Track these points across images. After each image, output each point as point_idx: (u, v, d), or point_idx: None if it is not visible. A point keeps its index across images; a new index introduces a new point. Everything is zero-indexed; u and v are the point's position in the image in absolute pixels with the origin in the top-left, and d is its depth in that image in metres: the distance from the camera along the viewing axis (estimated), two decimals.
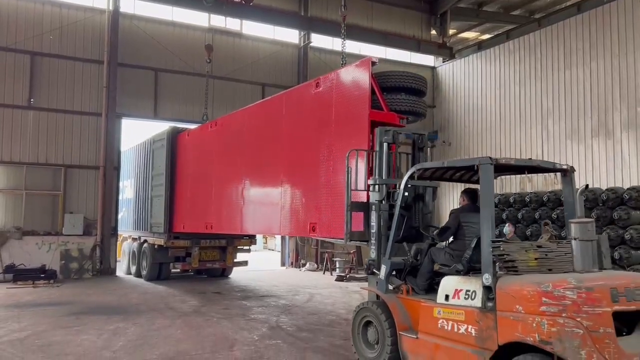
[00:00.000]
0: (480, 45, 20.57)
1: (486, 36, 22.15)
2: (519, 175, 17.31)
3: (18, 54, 14.87)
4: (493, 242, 4.61)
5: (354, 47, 20.48)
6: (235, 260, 14.85)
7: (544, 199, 12.60)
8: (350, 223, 6.40)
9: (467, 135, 20.24)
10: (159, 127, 15.25)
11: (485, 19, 21.58)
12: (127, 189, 17.07)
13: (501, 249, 4.57)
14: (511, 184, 17.80)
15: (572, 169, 5.53)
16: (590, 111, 15.63)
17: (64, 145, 15.31)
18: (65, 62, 15.50)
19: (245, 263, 15.15)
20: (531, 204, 12.87)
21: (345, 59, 10.40)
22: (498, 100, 18.90)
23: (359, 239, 6.70)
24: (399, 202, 5.89)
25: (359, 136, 7.18)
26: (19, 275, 13.22)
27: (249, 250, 15.31)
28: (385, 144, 6.47)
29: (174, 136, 14.11)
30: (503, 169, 5.62)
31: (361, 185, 6.74)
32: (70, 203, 15.27)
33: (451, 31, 22.14)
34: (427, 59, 22.22)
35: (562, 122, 16.43)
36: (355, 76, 7.66)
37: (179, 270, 14.70)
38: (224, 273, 15.57)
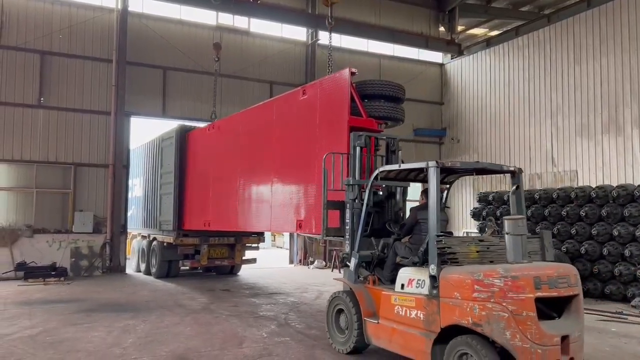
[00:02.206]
0: (489, 42, 20.44)
1: (495, 32, 22.01)
2: (528, 174, 17.36)
3: (28, 53, 14.98)
4: (437, 236, 5.18)
5: (361, 44, 20.49)
6: (243, 257, 14.88)
7: (554, 196, 12.52)
8: (327, 220, 7.01)
9: (475, 132, 20.15)
10: (168, 126, 15.32)
11: (494, 15, 21.43)
12: (137, 187, 17.16)
13: (443, 242, 5.15)
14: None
15: (520, 170, 6.07)
16: (601, 107, 15.50)
17: (74, 143, 15.41)
18: (75, 61, 15.59)
19: (253, 260, 15.18)
20: (540, 201, 12.79)
21: (332, 67, 11.21)
22: (507, 96, 18.79)
23: (334, 235, 7.26)
24: (365, 201, 6.48)
25: (340, 140, 7.67)
26: (30, 272, 13.34)
27: (257, 248, 15.31)
28: (358, 148, 7.01)
29: (183, 134, 14.20)
30: (454, 170, 6.21)
31: (340, 185, 7.17)
32: (80, 201, 15.38)
33: (459, 28, 22.02)
34: (436, 56, 22.13)
35: (572, 119, 16.31)
36: (336, 85, 8.24)
37: (188, 267, 14.78)
38: (232, 270, 15.63)
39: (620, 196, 11.08)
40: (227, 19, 17.98)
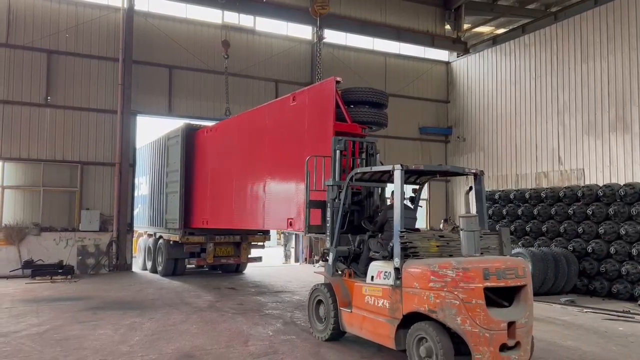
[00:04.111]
0: (495, 40, 20.36)
1: (501, 30, 21.90)
2: (535, 172, 17.28)
3: (35, 52, 15.05)
4: (401, 232, 5.69)
5: (367, 42, 20.46)
6: (249, 256, 14.91)
7: (560, 194, 12.47)
8: (309, 218, 7.61)
9: (481, 131, 20.08)
10: (174, 124, 15.36)
11: (500, 13, 21.32)
12: (143, 186, 17.21)
13: (405, 238, 5.66)
14: (526, 180, 17.66)
15: (482, 173, 6.56)
16: (608, 105, 15.40)
17: (80, 142, 15.48)
18: (81, 60, 15.66)
19: (259, 259, 15.20)
20: (547, 199, 12.75)
21: (321, 74, 12.32)
22: (513, 95, 18.71)
23: (316, 232, 7.84)
24: (342, 200, 7.00)
25: (326, 144, 8.09)
26: (37, 270, 13.40)
27: (262, 246, 15.34)
28: (338, 151, 7.47)
29: (189, 133, 14.25)
30: (419, 172, 6.72)
31: (322, 186, 7.67)
32: (87, 199, 15.45)
33: (465, 26, 21.92)
34: (442, 54, 22.06)
35: (579, 117, 16.22)
36: (322, 93, 8.82)
37: (194, 265, 14.86)
38: (238, 269, 15.66)
39: (628, 194, 11.02)
40: (232, 17, 17.99)
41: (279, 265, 18.02)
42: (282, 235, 18.76)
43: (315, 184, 7.73)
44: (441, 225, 12.27)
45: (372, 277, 6.23)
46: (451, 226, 11.83)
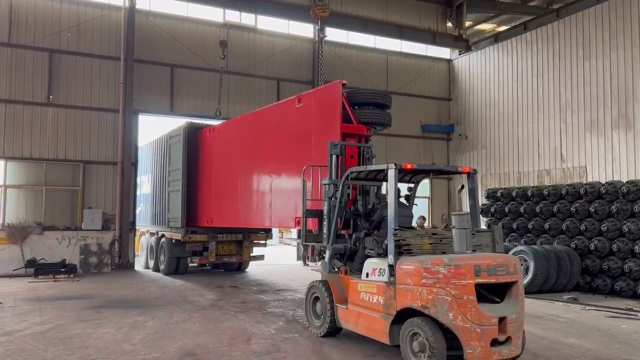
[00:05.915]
0: (497, 37, 20.32)
1: (503, 28, 21.86)
2: (537, 170, 17.26)
3: (37, 51, 15.06)
4: (394, 230, 5.80)
5: (369, 40, 20.43)
6: (251, 254, 14.90)
7: (562, 192, 12.44)
8: (306, 227, 7.77)
9: (483, 128, 20.06)
10: (176, 123, 15.36)
11: (502, 10, 21.27)
12: (145, 184, 17.22)
13: (398, 235, 5.77)
14: (529, 178, 17.64)
15: (475, 171, 6.67)
16: (610, 102, 15.37)
17: (82, 141, 15.50)
18: (83, 59, 15.67)
19: (261, 257, 15.19)
20: (549, 197, 12.73)
21: (323, 74, 12.70)
22: (515, 92, 18.67)
23: (313, 240, 8.02)
24: (338, 198, 7.14)
25: None
26: (40, 269, 13.43)
27: (265, 245, 15.34)
28: (334, 156, 7.68)
29: (191, 132, 14.27)
30: (412, 171, 6.84)
31: (319, 195, 7.94)
32: (89, 198, 15.48)
33: (467, 23, 21.89)
34: (443, 52, 22.03)
35: (581, 114, 16.19)
36: (328, 95, 9.04)
37: (196, 264, 14.87)
38: (240, 267, 15.67)
39: (630, 192, 10.99)
40: (234, 16, 17.99)
41: (282, 263, 17.99)
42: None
43: (312, 193, 7.92)
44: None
45: (367, 274, 6.37)
46: (444, 223, 11.88)
